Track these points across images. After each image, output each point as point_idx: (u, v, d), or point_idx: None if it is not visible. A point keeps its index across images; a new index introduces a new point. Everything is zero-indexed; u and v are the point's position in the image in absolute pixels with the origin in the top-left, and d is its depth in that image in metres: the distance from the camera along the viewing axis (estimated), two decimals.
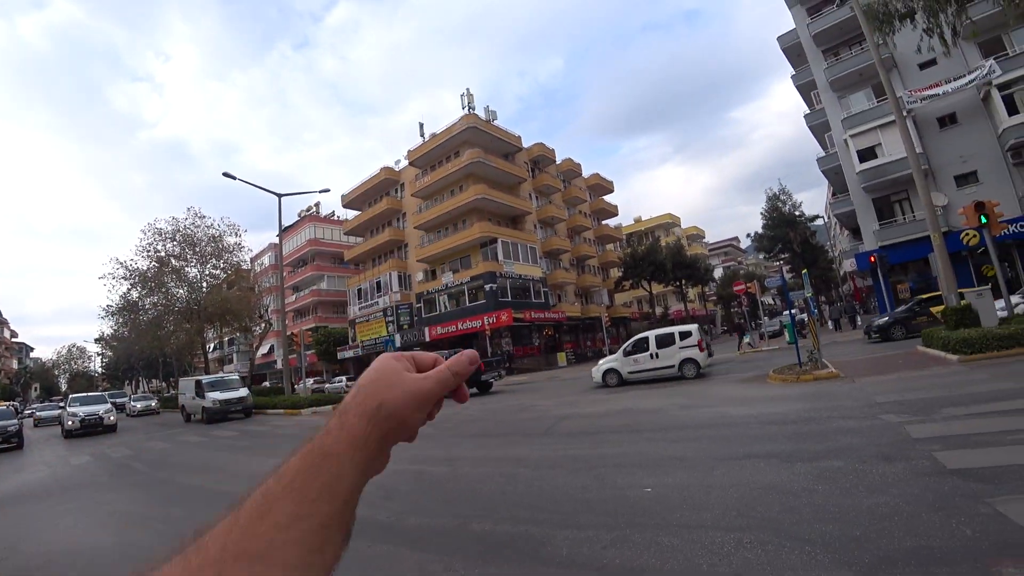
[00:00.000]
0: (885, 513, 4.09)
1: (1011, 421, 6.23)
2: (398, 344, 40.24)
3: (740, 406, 10.16)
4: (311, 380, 36.50)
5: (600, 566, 3.91)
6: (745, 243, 62.77)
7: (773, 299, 72.64)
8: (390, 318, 43.27)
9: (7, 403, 32.92)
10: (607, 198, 62.32)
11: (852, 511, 4.22)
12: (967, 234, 16.30)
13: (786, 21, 31.94)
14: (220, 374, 30.07)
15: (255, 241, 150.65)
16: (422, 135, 44.80)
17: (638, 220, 78.51)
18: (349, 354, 47.43)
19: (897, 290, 28.43)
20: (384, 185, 48.90)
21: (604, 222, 62.02)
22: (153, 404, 38.52)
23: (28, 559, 6.13)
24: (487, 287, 37.57)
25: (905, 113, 22.93)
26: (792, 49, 35.79)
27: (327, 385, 38.30)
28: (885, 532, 3.78)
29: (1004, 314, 13.85)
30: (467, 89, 42.75)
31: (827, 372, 12.35)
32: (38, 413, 36.65)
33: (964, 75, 26.32)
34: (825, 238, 62.87)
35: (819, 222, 49.74)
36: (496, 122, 44.18)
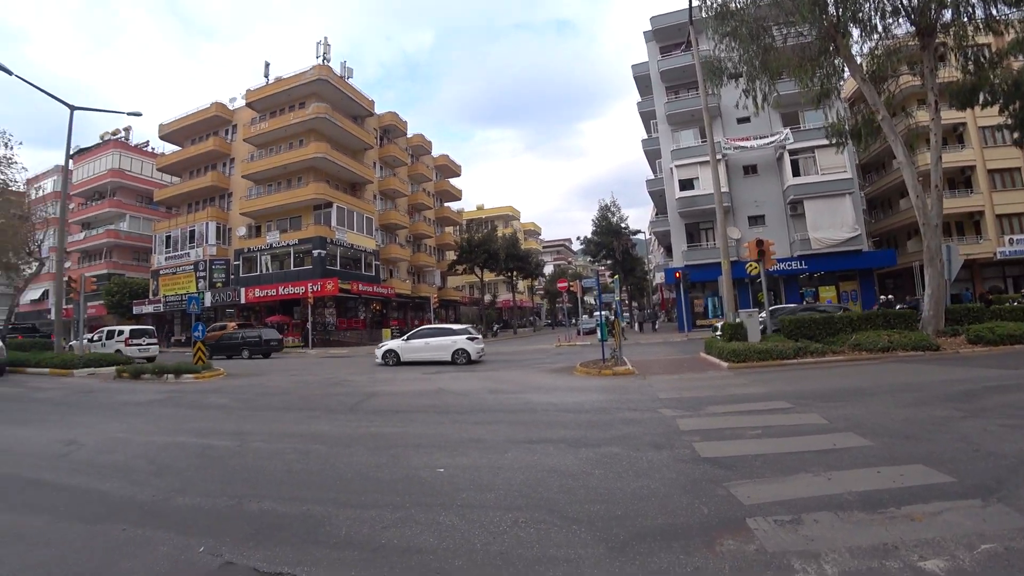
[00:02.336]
0: (645, 495, 4.59)
1: (754, 419, 7.43)
2: (208, 303, 36.42)
3: (544, 394, 10.82)
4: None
5: (376, 546, 3.86)
6: (576, 246, 67.53)
7: (595, 299, 79.21)
8: (201, 273, 38.94)
9: None
10: (453, 181, 62.59)
11: (619, 493, 4.67)
12: (750, 265, 19.09)
13: (642, 53, 36.28)
14: None
15: (36, 160, 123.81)
16: (266, 76, 40.57)
17: (480, 208, 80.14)
18: (148, 309, 41.84)
19: (694, 304, 32.80)
20: (214, 123, 43.60)
21: (446, 204, 62.23)
22: None
23: None
24: (315, 252, 35.45)
25: (719, 156, 26.63)
26: (642, 79, 39.80)
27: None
28: (642, 512, 4.22)
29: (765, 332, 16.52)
30: (324, 38, 39.81)
31: (625, 369, 13.74)
32: None
33: (768, 136, 32.34)
34: (644, 251, 70.02)
35: (641, 236, 55.34)
36: (351, 80, 41.73)
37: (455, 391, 11.68)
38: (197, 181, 43.19)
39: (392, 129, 48.50)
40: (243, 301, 37.32)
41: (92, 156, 51.80)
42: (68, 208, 25.11)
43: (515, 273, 55.06)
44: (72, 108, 22.13)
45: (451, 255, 56.53)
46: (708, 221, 34.14)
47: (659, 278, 44.24)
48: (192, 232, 41.27)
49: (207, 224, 40.62)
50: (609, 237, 46.83)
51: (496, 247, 49.57)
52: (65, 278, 24.02)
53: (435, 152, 58.28)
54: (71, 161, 24.47)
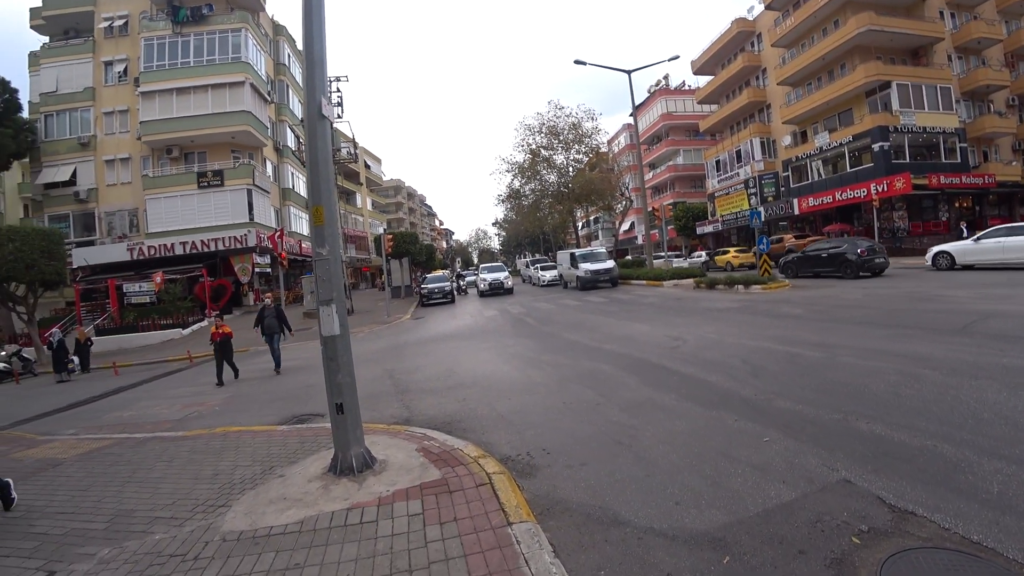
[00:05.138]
0: None
1: None
2: (763, 218, 37.28)
3: None
4: (671, 254, 37.66)
5: None
6: None
7: None
8: (752, 190, 39.81)
9: (444, 271, 43.56)
10: None
11: None
12: None
13: None
14: (590, 248, 33.34)
15: (610, 123, 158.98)
16: None
17: None
18: (708, 229, 46.47)
19: None
20: (738, 40, 43.34)
21: None
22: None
23: (462, 378, 8.51)
24: (875, 147, 30.61)
25: None
26: None
27: (687, 261, 38.68)
28: None
29: None
30: None
31: None
32: (467, 278, 47.35)
33: None
34: None
35: None
36: None
37: None
38: (734, 103, 44.14)
39: None
40: (796, 212, 36.32)
41: (646, 109, 60.48)
42: (640, 153, 30.25)
43: None
44: (629, 72, 26.34)
45: None
46: None
47: None
48: (738, 152, 42.81)
49: (751, 141, 41.22)
50: None
51: None
52: (649, 209, 29.30)
53: None
54: (634, 115, 29.28)
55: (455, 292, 30.98)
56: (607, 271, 25.25)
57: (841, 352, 7.18)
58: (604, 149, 42.84)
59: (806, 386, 5.81)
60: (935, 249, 18.87)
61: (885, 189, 28.90)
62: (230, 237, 28.52)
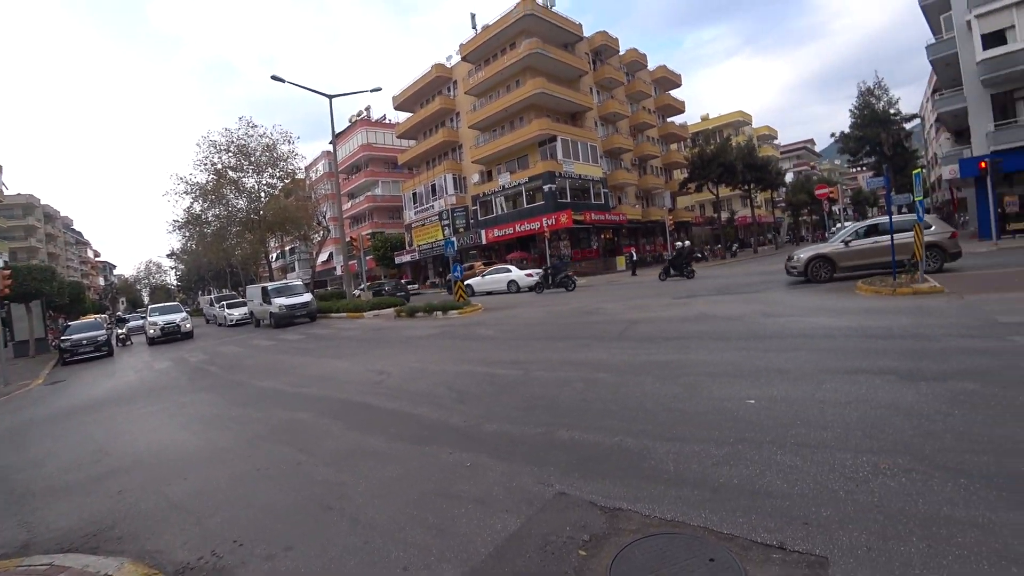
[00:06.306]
0: None
1: None
2: (456, 248, 40.24)
3: (834, 317, 9.12)
4: (370, 284, 37.48)
5: (716, 486, 3.45)
6: (823, 144, 56.91)
7: (845, 209, 67.15)
8: (446, 221, 42.74)
9: (99, 316, 34.62)
10: (674, 93, 57.99)
11: (1009, 443, 3.53)
12: None
13: None
14: (285, 281, 30.70)
15: (308, 150, 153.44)
16: (474, 27, 41.97)
17: (705, 118, 73.13)
18: (406, 258, 48.17)
19: (1004, 203, 24.68)
20: (436, 84, 46.93)
21: (670, 119, 58.14)
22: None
23: (118, 460, 6.23)
24: (545, 187, 36.30)
25: None
26: None
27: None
28: None
29: None
30: None
31: (928, 286, 10.85)
32: (132, 323, 37.93)
33: None
34: (919, 141, 56.28)
35: (916, 122, 43.90)
36: (554, 9, 40.59)
37: (722, 315, 10.57)
38: (431, 140, 47.31)
39: (604, 49, 46.18)
40: (484, 242, 40.42)
41: (346, 138, 60.33)
42: (338, 183, 29.41)
43: (752, 185, 48.69)
44: (330, 97, 25.68)
45: (679, 174, 53.26)
46: None
47: (947, 172, 33.42)
48: (433, 186, 45.69)
49: (444, 177, 44.47)
50: (874, 128, 38.40)
51: (731, 158, 43.86)
52: (347, 239, 28.56)
53: (651, 66, 54.53)
54: (334, 143, 28.51)
55: (114, 342, 24.99)
56: (304, 305, 23.66)
57: (533, 367, 7.85)
58: (301, 175, 40.52)
59: (509, 405, 6.05)
60: (509, 278, 28.08)
61: (554, 223, 34.36)
62: None
